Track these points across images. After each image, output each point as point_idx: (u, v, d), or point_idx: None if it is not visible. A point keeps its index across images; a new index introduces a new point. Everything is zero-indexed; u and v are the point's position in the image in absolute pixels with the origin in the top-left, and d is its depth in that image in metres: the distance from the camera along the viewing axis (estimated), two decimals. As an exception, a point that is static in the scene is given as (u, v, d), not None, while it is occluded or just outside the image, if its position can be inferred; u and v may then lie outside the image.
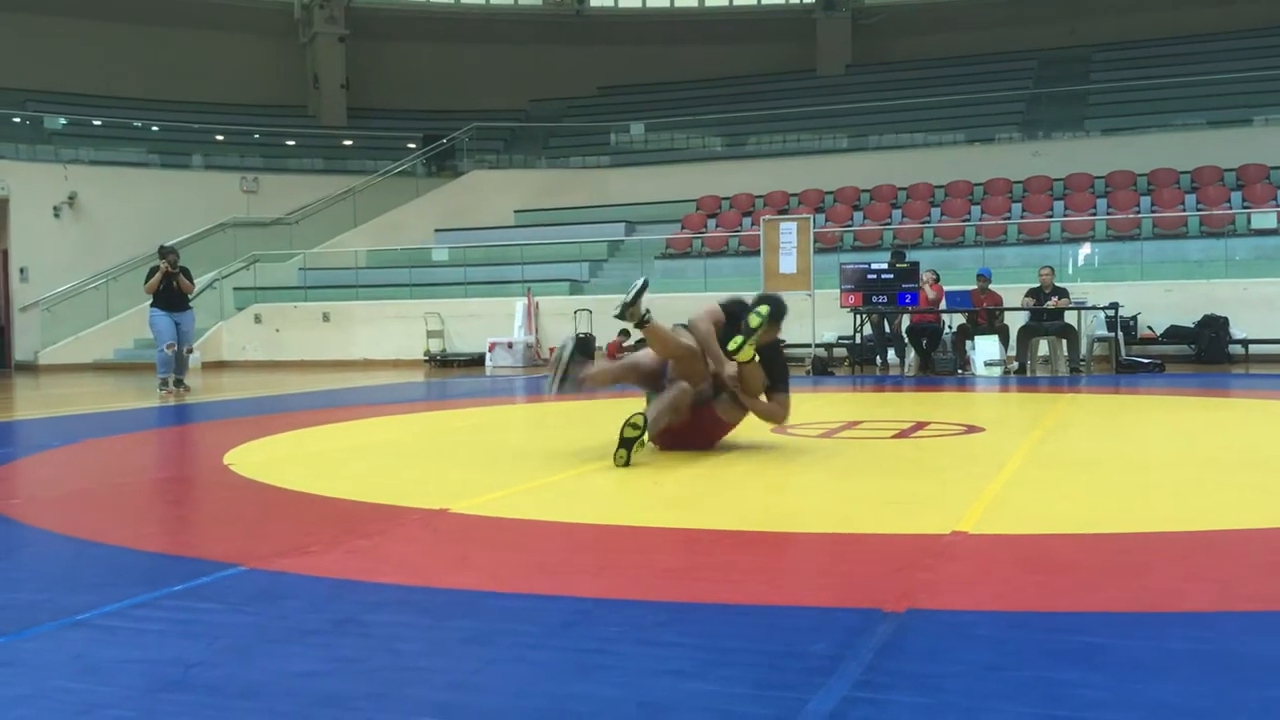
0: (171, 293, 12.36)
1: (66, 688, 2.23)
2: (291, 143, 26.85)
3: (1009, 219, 19.42)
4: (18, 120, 23.94)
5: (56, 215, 22.39)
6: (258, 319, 21.04)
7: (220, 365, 20.23)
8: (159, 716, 2.07)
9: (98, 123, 24.83)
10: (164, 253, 12.56)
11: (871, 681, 2.16)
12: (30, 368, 20.84)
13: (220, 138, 25.71)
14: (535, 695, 2.15)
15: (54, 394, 13.27)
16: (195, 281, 13.31)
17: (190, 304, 12.70)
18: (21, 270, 22.08)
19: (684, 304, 18.76)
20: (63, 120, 24.41)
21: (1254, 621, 2.62)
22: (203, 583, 3.06)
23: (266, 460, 5.84)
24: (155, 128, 25.08)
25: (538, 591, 2.97)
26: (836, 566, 3.28)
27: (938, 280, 14.29)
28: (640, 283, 5.51)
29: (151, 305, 12.46)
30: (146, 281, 12.52)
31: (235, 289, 21.75)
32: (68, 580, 3.28)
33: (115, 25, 26.43)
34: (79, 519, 4.27)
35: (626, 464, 5.20)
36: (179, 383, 12.25)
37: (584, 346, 5.64)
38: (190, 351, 12.60)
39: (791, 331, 16.19)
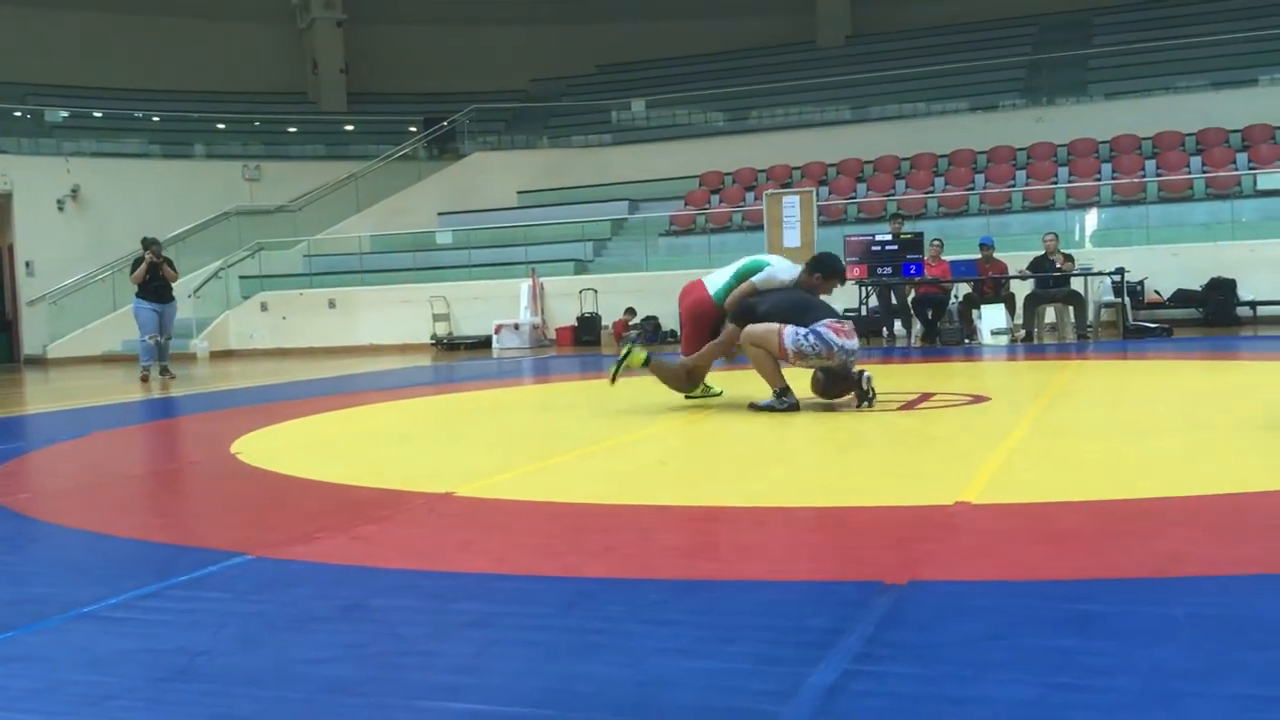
0: (157, 283, 12.83)
1: (74, 680, 2.25)
2: (292, 129, 26.81)
3: (1013, 186, 19.33)
4: (19, 114, 23.94)
5: (60, 208, 22.42)
6: (264, 307, 21.07)
7: (228, 354, 20.28)
8: (166, 706, 2.09)
9: (98, 115, 24.80)
10: (148, 244, 13.02)
11: (872, 654, 2.17)
12: (39, 361, 20.92)
13: (221, 126, 25.68)
14: (537, 676, 2.17)
15: (62, 387, 13.32)
16: (178, 271, 13.78)
17: (173, 294, 13.16)
18: (27, 264, 22.13)
19: (688, 280, 18.71)
20: (64, 113, 24.39)
21: (1257, 584, 2.62)
22: (209, 572, 3.07)
23: (274, 448, 5.87)
24: (156, 118, 25.06)
25: (541, 573, 2.98)
26: (838, 540, 3.28)
27: (940, 253, 14.23)
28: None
29: (137, 296, 12.92)
30: (132, 272, 13.03)
31: (241, 277, 21.77)
32: (75, 573, 3.30)
33: (113, 16, 26.38)
34: (87, 512, 4.29)
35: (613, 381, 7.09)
36: (164, 370, 12.58)
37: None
38: (169, 339, 13.09)
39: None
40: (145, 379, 12.49)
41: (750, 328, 6.41)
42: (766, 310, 6.47)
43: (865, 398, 6.37)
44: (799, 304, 6.48)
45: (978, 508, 3.54)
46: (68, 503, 4.52)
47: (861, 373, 6.45)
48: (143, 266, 12.80)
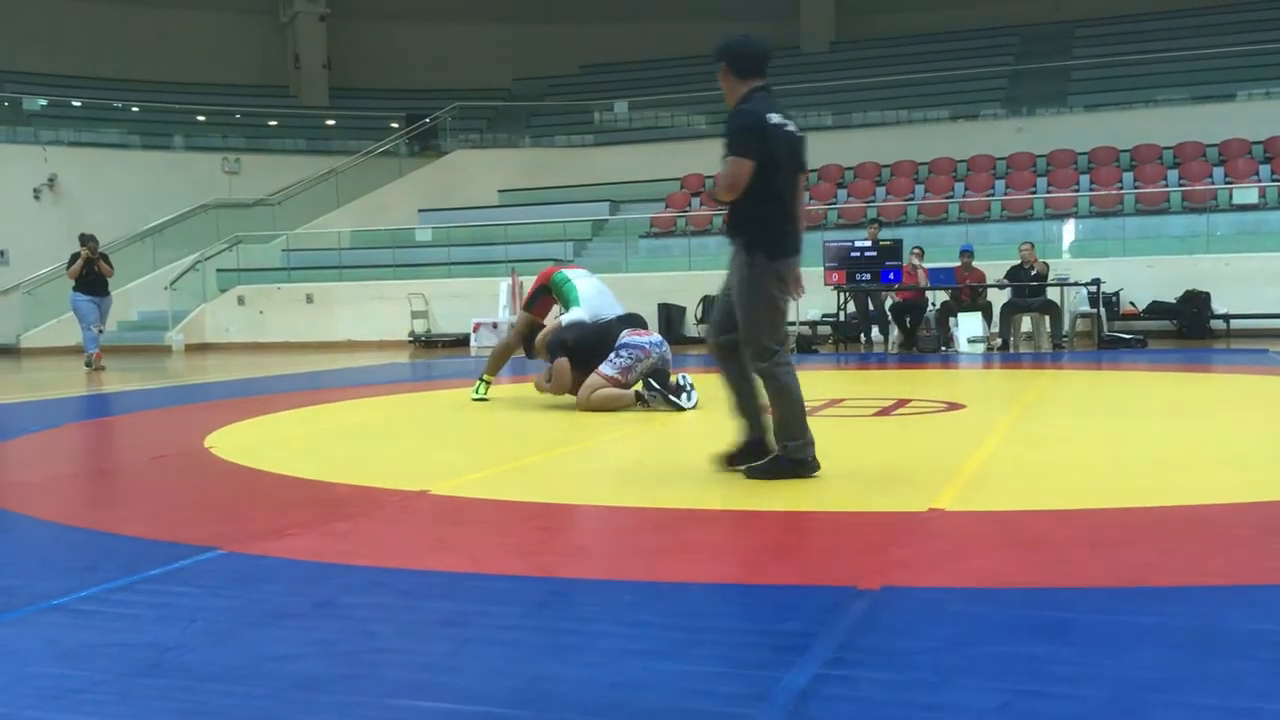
0: (93, 277, 13.31)
1: (42, 673, 2.23)
2: (273, 123, 26.65)
3: (992, 196, 19.42)
4: (-4, 102, 23.75)
5: (36, 197, 22.23)
6: (241, 300, 20.94)
7: (204, 347, 20.15)
8: (134, 700, 2.08)
9: (77, 104, 24.60)
10: (84, 240, 13.49)
11: (844, 659, 2.18)
12: (12, 351, 20.72)
13: (201, 118, 25.50)
14: (509, 676, 2.17)
15: (35, 377, 13.22)
16: (113, 266, 14.09)
17: (109, 289, 13.67)
18: (1, 253, 21.93)
19: (667, 283, 18.75)
20: (42, 101, 24.18)
21: (1224, 595, 2.65)
22: (180, 566, 3.06)
23: (248, 443, 5.83)
24: (135, 108, 24.86)
25: (514, 573, 2.98)
26: (813, 544, 3.30)
27: (920, 261, 14.28)
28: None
29: (74, 290, 13.45)
30: (69, 267, 13.50)
31: (218, 270, 21.63)
32: (45, 565, 3.28)
33: (94, 4, 26.18)
34: (58, 503, 4.26)
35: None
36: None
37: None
38: (100, 330, 13.59)
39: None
40: (97, 367, 12.94)
41: (589, 400, 6.88)
42: (574, 341, 7.16)
43: (673, 393, 6.80)
44: (596, 334, 7.17)
45: (951, 514, 3.56)
46: (38, 494, 4.48)
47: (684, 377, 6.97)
48: (79, 262, 13.26)
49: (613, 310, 7.50)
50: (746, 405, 4.33)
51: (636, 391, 6.90)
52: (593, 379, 6.90)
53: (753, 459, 4.28)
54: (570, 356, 7.11)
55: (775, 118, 4.26)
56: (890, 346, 14.18)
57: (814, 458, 4.21)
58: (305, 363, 14.33)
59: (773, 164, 4.19)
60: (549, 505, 3.91)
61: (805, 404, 4.25)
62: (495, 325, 18.50)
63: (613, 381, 6.87)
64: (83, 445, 6.42)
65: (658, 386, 6.83)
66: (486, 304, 18.97)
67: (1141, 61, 22.48)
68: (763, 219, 4.23)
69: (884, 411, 6.66)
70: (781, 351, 4.24)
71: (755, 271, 4.20)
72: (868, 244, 14.26)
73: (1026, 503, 3.78)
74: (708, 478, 4.57)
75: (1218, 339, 14.82)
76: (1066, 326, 13.78)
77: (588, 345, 7.10)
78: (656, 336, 7.21)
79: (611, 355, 6.94)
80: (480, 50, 28.67)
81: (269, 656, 2.30)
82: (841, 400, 7.49)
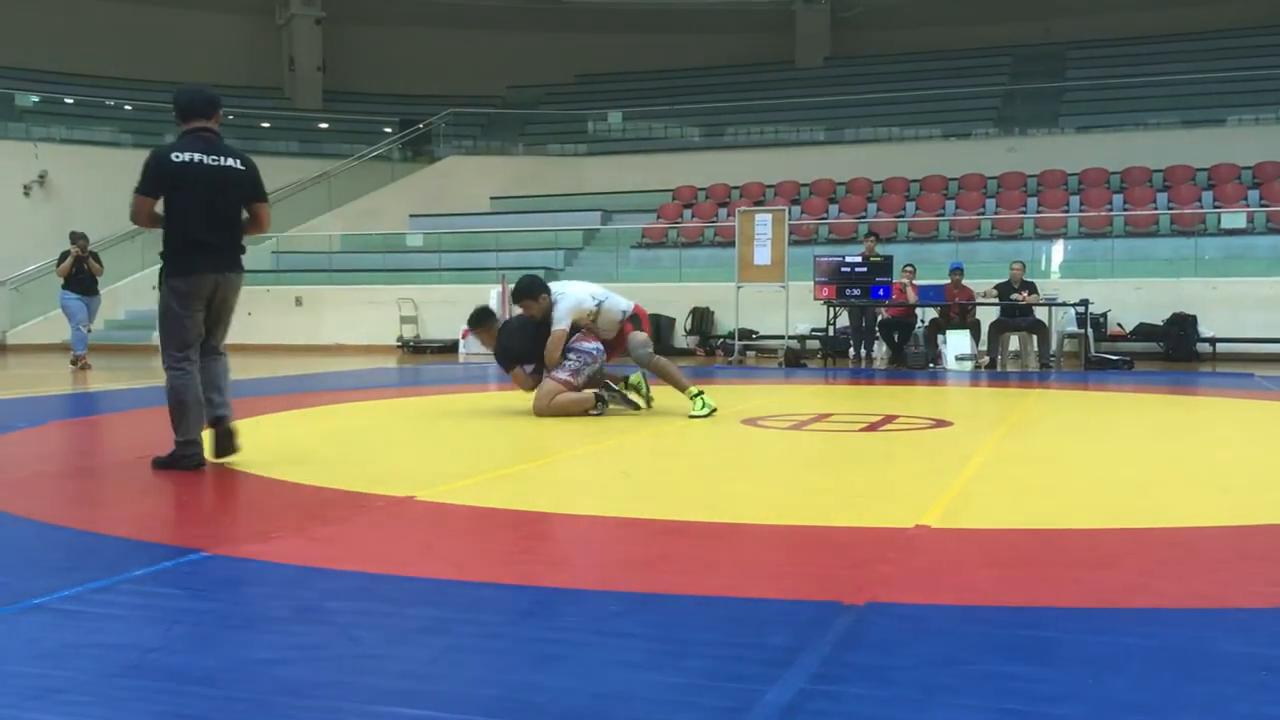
0: (83, 276, 13.30)
1: (22, 672, 2.22)
2: (266, 125, 26.61)
3: (983, 214, 19.50)
4: (-12, 97, 23.66)
5: (26, 194, 22.14)
6: (229, 302, 20.87)
7: (191, 348, 20.06)
8: (115, 702, 2.06)
9: (70, 101, 24.52)
10: (75, 238, 13.47)
11: (828, 674, 2.18)
12: (-2, 347, 20.62)
13: (194, 118, 25.43)
14: (492, 684, 2.16)
15: (21, 374, 13.15)
16: (104, 265, 14.12)
17: (99, 288, 13.67)
18: (-11, 249, 21.81)
19: (657, 293, 18.77)
20: (34, 98, 24.11)
21: (1209, 618, 2.65)
22: (164, 568, 3.04)
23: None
24: (128, 107, 24.79)
25: (499, 581, 2.97)
26: (798, 559, 3.30)
27: (913, 278, 14.32)
28: None
29: (63, 288, 13.40)
30: (58, 265, 13.49)
31: (207, 271, 21.55)
32: (27, 564, 3.26)
33: (90, 2, 26.10)
34: (41, 502, 4.24)
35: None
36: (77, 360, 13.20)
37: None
38: (88, 330, 13.61)
39: (765, 323, 16.36)
40: (83, 366, 12.91)
41: (549, 406, 6.97)
42: (519, 348, 7.25)
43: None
44: (537, 337, 7.15)
45: (937, 531, 3.56)
46: (21, 492, 4.45)
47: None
48: (69, 260, 13.24)
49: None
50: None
51: (596, 394, 7.05)
52: (548, 385, 7.02)
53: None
54: (520, 362, 7.30)
55: (186, 156, 4.79)
56: (878, 362, 14.21)
57: (198, 456, 4.78)
58: (293, 365, 14.29)
59: (177, 196, 4.77)
60: (535, 514, 3.90)
61: (196, 410, 4.79)
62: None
63: (566, 385, 7.01)
64: (67, 444, 6.38)
65: (615, 387, 7.13)
66: (476, 311, 18.93)
67: (1133, 85, 22.63)
68: (168, 243, 4.84)
69: (871, 427, 6.67)
70: (180, 358, 4.79)
71: (162, 289, 4.85)
72: (858, 259, 14.30)
73: (1012, 521, 3.79)
74: (694, 490, 4.57)
75: (1203, 362, 14.89)
76: (1054, 346, 13.84)
77: (530, 349, 7.22)
78: (599, 344, 7.26)
79: (560, 359, 7.09)
80: (475, 57, 28.69)
81: (251, 660, 2.29)
82: (829, 415, 7.51)
